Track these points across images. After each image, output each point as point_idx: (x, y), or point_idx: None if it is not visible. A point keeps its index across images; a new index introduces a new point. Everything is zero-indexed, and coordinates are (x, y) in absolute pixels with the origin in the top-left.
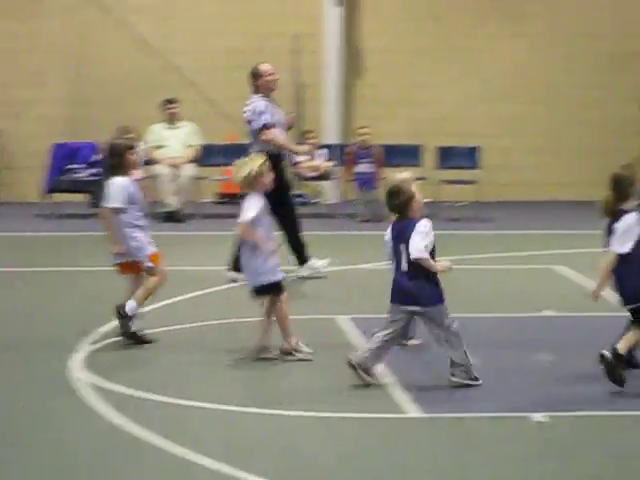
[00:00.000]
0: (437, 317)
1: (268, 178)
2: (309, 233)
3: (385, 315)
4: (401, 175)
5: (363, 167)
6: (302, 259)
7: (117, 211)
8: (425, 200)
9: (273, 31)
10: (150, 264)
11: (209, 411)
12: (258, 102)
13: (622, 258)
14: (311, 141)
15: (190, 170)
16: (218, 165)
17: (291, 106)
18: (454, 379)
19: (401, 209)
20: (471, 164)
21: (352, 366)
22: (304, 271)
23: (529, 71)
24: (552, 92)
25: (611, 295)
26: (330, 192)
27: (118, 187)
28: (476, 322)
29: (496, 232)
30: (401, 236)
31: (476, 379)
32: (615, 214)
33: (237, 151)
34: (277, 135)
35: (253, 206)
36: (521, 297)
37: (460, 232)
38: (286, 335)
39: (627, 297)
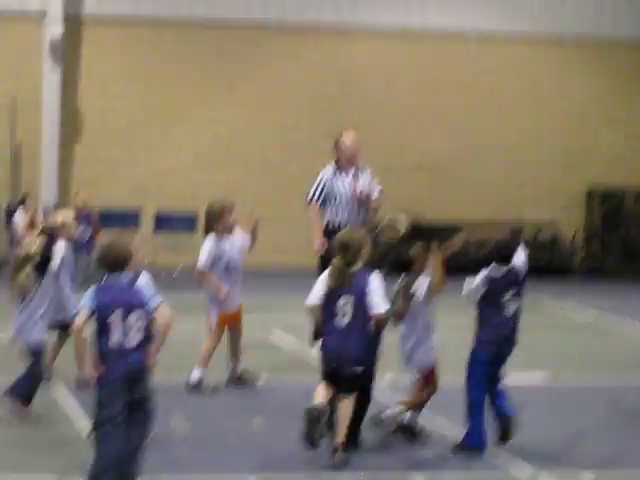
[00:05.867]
0: None
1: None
2: None
3: None
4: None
5: (79, 232)
6: None
7: None
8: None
9: None
10: None
11: None
12: (323, 171)
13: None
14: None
15: None
16: None
17: (7, 168)
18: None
19: None
20: (189, 229)
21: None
22: None
23: (243, 138)
24: (265, 158)
25: None
26: None
27: None
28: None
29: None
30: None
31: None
32: (347, 279)
33: None
34: (314, 214)
35: None
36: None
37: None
38: None
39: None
